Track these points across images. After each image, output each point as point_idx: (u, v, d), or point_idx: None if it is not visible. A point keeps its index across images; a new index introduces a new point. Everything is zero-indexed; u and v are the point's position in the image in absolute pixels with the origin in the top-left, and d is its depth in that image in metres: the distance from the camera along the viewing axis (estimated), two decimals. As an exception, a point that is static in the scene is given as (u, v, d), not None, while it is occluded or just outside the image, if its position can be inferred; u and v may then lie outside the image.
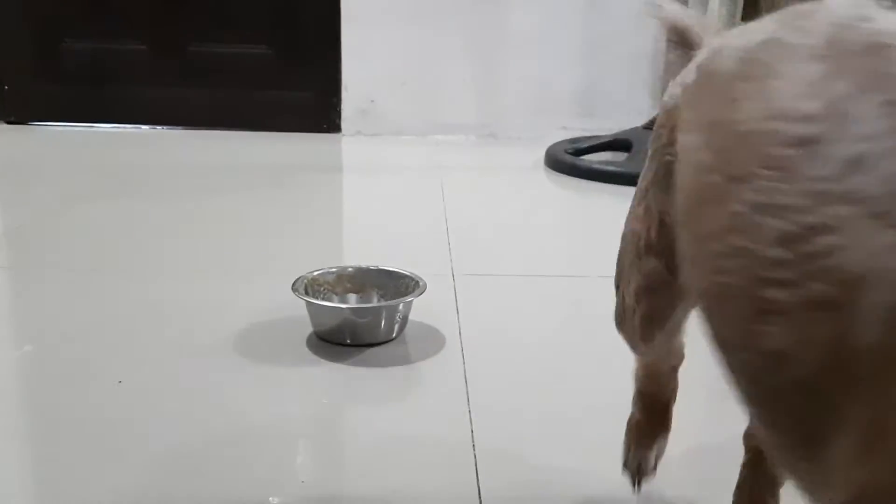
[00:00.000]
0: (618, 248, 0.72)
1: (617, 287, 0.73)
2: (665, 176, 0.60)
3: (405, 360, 1.13)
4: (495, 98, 2.66)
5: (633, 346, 0.75)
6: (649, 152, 0.65)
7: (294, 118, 2.68)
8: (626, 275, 0.70)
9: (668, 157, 0.60)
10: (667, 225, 0.62)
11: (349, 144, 2.61)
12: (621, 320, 0.73)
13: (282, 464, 0.88)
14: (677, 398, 0.81)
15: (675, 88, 0.61)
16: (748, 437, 0.76)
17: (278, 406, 1.00)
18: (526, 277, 1.45)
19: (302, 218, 1.82)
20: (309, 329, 1.19)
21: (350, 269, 1.27)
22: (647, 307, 0.68)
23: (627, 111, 2.64)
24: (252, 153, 2.42)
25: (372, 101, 2.67)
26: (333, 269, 1.26)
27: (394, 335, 1.17)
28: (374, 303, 1.22)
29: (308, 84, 2.67)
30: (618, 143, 2.31)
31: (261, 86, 2.68)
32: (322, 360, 1.11)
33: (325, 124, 2.69)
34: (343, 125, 2.69)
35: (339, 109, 2.68)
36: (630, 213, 0.69)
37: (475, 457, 0.89)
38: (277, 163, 2.32)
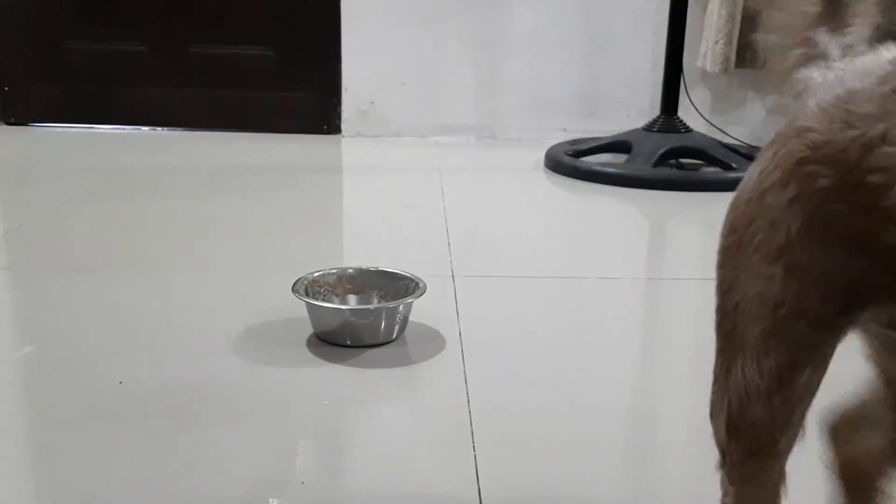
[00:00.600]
0: (716, 320, 0.60)
1: (725, 365, 0.59)
2: (838, 224, 0.52)
3: (405, 361, 1.13)
4: (495, 99, 2.66)
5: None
6: (780, 201, 0.54)
7: (294, 119, 2.68)
8: (749, 348, 0.57)
9: (840, 206, 0.52)
10: (825, 283, 0.54)
11: (349, 146, 2.61)
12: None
13: (282, 464, 0.88)
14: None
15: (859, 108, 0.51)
16: (847, 466, 0.68)
17: (278, 406, 1.00)
18: (526, 279, 1.45)
19: (302, 219, 1.83)
20: (309, 330, 1.19)
21: (350, 271, 1.27)
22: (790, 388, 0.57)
23: (628, 112, 2.64)
24: (252, 154, 2.42)
25: (372, 102, 2.67)
26: (333, 271, 1.26)
27: (394, 336, 1.17)
28: (374, 304, 1.22)
29: (308, 85, 2.68)
30: (618, 145, 2.32)
31: (261, 87, 2.68)
32: (322, 362, 1.12)
33: (326, 125, 2.69)
34: (343, 126, 2.69)
35: (340, 111, 2.68)
36: (741, 277, 0.57)
37: (475, 457, 0.89)
38: (278, 164, 2.32)
